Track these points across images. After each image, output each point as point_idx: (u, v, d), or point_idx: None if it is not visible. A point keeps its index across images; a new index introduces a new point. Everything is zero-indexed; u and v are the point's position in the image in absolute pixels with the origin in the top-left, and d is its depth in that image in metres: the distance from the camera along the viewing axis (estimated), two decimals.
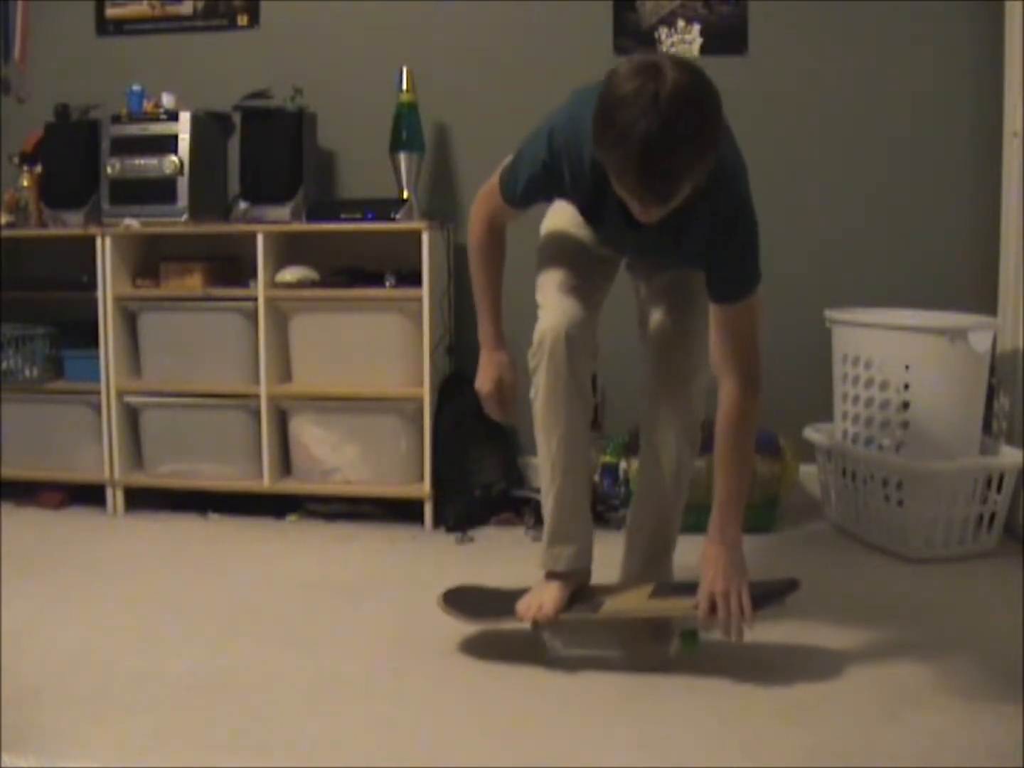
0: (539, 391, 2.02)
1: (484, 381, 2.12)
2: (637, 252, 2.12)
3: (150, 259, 3.34)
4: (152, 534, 3.08)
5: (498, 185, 1.99)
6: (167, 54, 3.53)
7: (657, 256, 2.06)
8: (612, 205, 1.82)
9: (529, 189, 1.94)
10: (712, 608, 1.92)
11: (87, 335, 3.24)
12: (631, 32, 3.28)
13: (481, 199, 2.06)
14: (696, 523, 2.88)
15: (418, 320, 3.05)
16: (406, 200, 3.18)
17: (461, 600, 2.18)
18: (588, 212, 1.96)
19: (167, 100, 3.29)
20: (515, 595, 2.14)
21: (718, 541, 1.96)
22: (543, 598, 2.07)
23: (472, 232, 2.09)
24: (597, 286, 2.10)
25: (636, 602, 2.07)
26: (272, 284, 3.16)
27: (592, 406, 2.11)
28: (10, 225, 3.38)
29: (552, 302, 2.02)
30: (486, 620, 2.15)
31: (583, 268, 2.07)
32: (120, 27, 3.59)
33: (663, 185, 1.62)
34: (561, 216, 2.10)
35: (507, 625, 2.10)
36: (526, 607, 2.07)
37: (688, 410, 2.13)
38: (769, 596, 2.01)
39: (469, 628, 2.19)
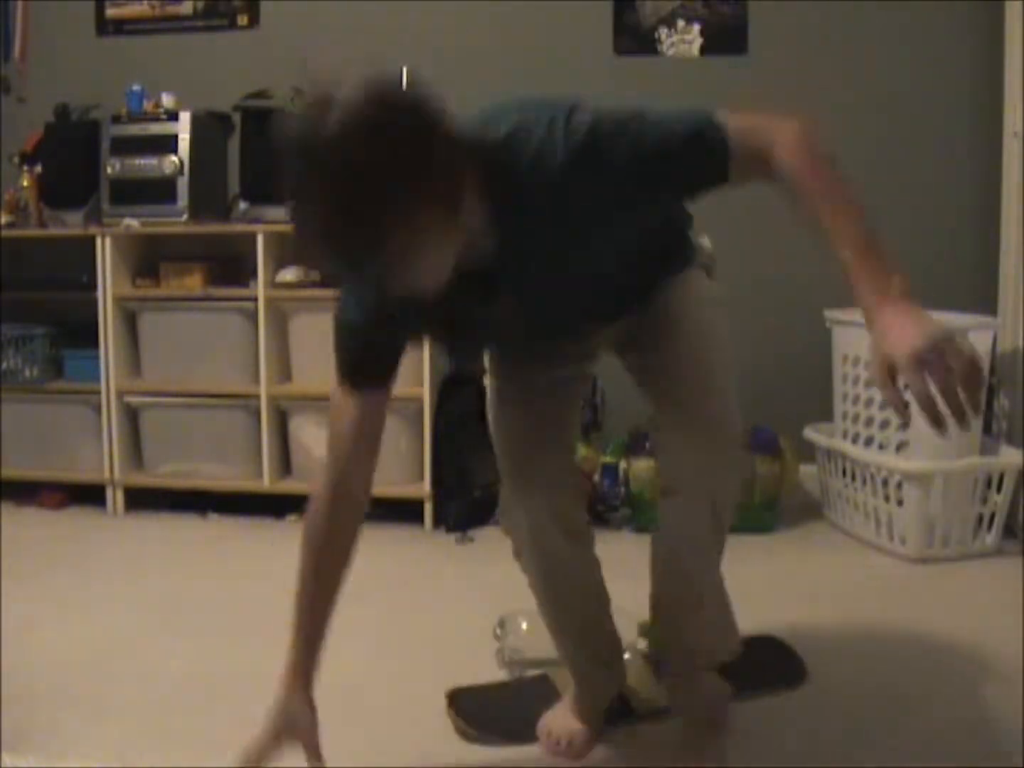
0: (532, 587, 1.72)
1: (261, 733, 1.48)
2: (546, 328, 1.53)
3: (150, 259, 3.34)
4: (152, 534, 3.08)
5: (336, 383, 1.51)
6: (167, 54, 3.54)
7: (569, 307, 1.49)
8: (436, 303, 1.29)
9: (357, 338, 1.48)
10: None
11: (87, 335, 3.24)
12: (631, 32, 3.28)
13: (326, 447, 1.55)
14: None
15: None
16: None
17: (473, 706, 1.86)
18: (434, 332, 1.54)
19: (167, 100, 3.29)
20: (537, 696, 1.88)
21: (883, 302, 1.22)
22: (570, 729, 1.72)
23: (310, 504, 1.59)
24: (556, 423, 1.68)
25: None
26: (272, 284, 3.15)
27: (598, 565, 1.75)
28: (10, 225, 3.38)
29: (511, 492, 1.65)
30: (503, 739, 1.77)
31: (533, 422, 1.67)
32: (120, 27, 3.59)
33: (358, 258, 1.19)
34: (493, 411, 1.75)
35: (528, 748, 1.75)
36: (548, 736, 1.72)
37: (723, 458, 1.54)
38: (769, 683, 1.89)
39: (469, 624, 2.19)
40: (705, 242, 1.72)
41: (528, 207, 1.29)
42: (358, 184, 1.12)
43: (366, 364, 1.46)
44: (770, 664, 1.99)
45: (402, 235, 1.15)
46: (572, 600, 1.72)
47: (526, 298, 1.40)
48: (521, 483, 1.64)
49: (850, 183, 1.38)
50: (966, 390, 1.13)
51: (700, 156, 1.32)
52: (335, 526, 1.59)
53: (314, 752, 1.48)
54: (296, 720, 1.50)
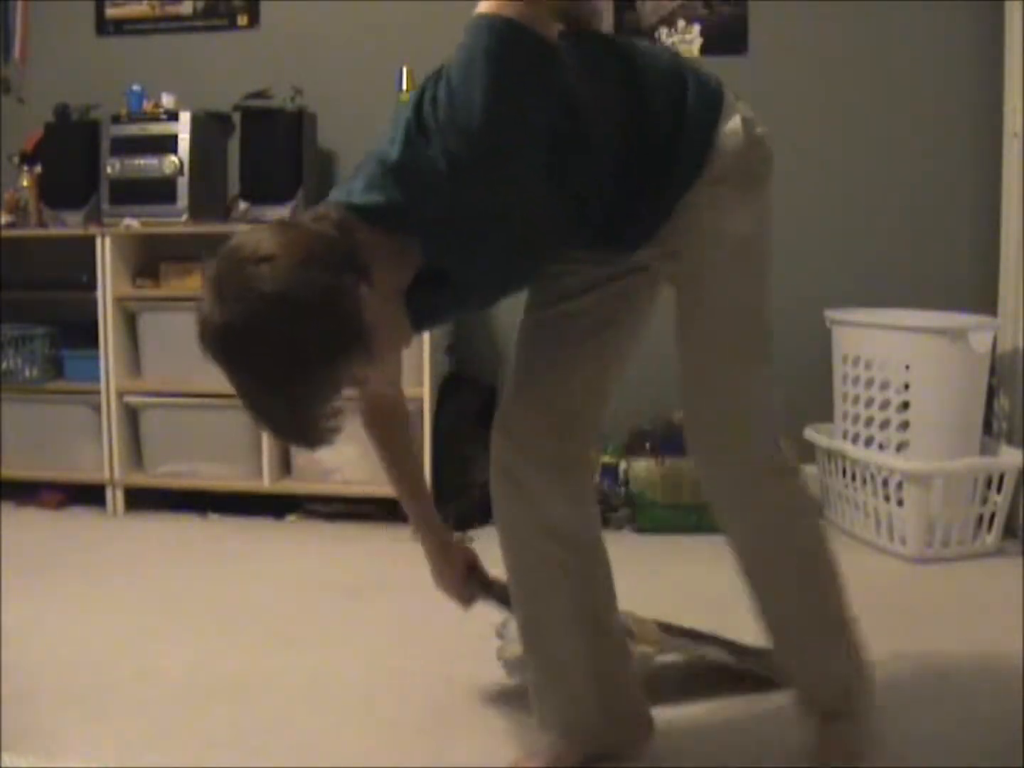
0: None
1: (441, 576, 1.81)
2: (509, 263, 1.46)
3: (150, 259, 3.34)
4: (152, 534, 3.08)
5: None
6: (167, 54, 3.53)
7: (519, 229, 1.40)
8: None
9: None
10: None
11: (87, 335, 3.24)
12: (631, 32, 3.28)
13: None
14: (697, 522, 2.90)
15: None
16: None
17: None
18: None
19: (167, 100, 3.29)
20: None
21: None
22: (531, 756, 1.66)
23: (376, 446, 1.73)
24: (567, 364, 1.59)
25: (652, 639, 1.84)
26: None
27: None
28: (10, 225, 3.38)
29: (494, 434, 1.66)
30: None
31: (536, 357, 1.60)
32: (120, 27, 3.59)
33: (304, 440, 1.30)
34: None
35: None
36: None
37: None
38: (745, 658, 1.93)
39: (469, 625, 2.19)
40: (732, 133, 1.44)
41: (420, 216, 1.31)
42: (256, 383, 1.27)
43: None
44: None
45: (323, 398, 1.24)
46: (552, 624, 1.61)
47: (479, 263, 1.39)
48: (503, 433, 1.62)
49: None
50: None
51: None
52: (375, 430, 1.71)
53: (483, 574, 1.80)
54: (457, 554, 1.80)
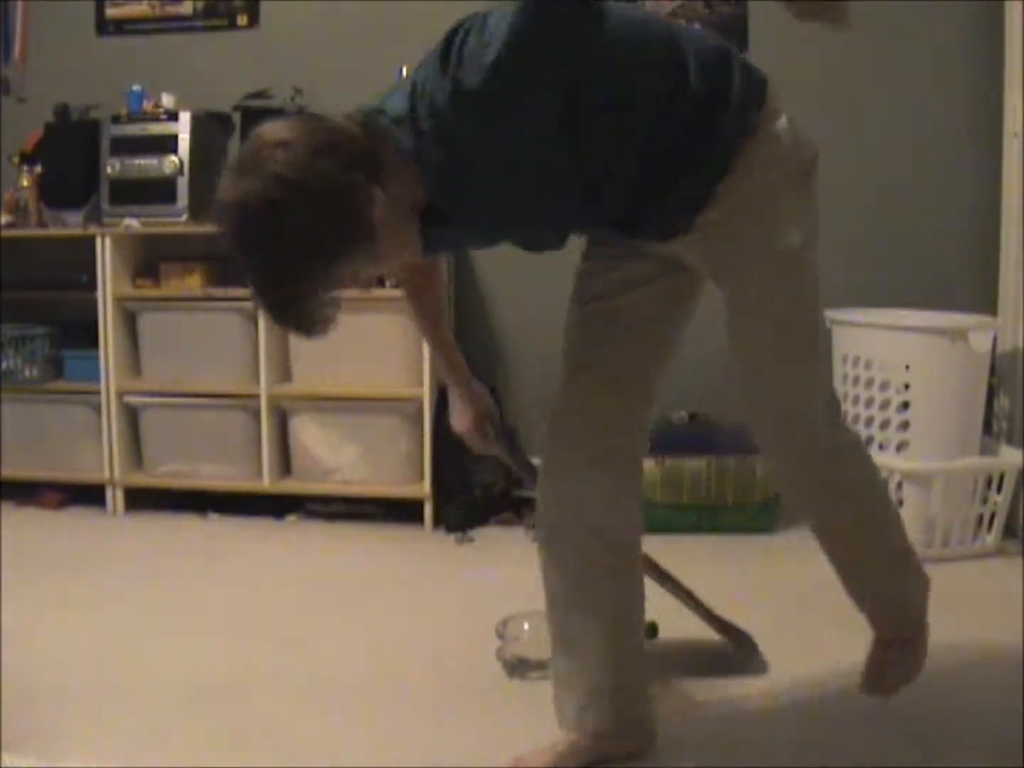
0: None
1: (459, 419, 1.84)
2: (517, 218, 1.47)
3: (150, 259, 3.34)
4: (152, 534, 3.08)
5: None
6: (167, 54, 3.53)
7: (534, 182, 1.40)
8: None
9: None
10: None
11: (87, 335, 3.24)
12: None
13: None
14: (697, 522, 2.90)
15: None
16: None
17: None
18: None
19: (167, 100, 3.29)
20: None
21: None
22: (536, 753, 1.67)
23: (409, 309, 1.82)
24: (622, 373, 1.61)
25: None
26: None
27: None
28: (10, 225, 3.38)
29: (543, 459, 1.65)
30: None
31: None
32: (120, 27, 3.59)
33: (298, 324, 1.31)
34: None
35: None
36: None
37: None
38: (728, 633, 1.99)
39: (469, 625, 2.19)
40: (778, 125, 1.45)
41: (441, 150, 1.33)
42: (270, 263, 1.26)
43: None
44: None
45: (322, 287, 1.27)
46: (584, 619, 1.64)
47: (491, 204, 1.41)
48: (559, 430, 1.62)
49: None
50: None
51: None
52: (413, 291, 1.76)
53: (494, 421, 1.84)
54: (477, 401, 1.82)
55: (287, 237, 1.24)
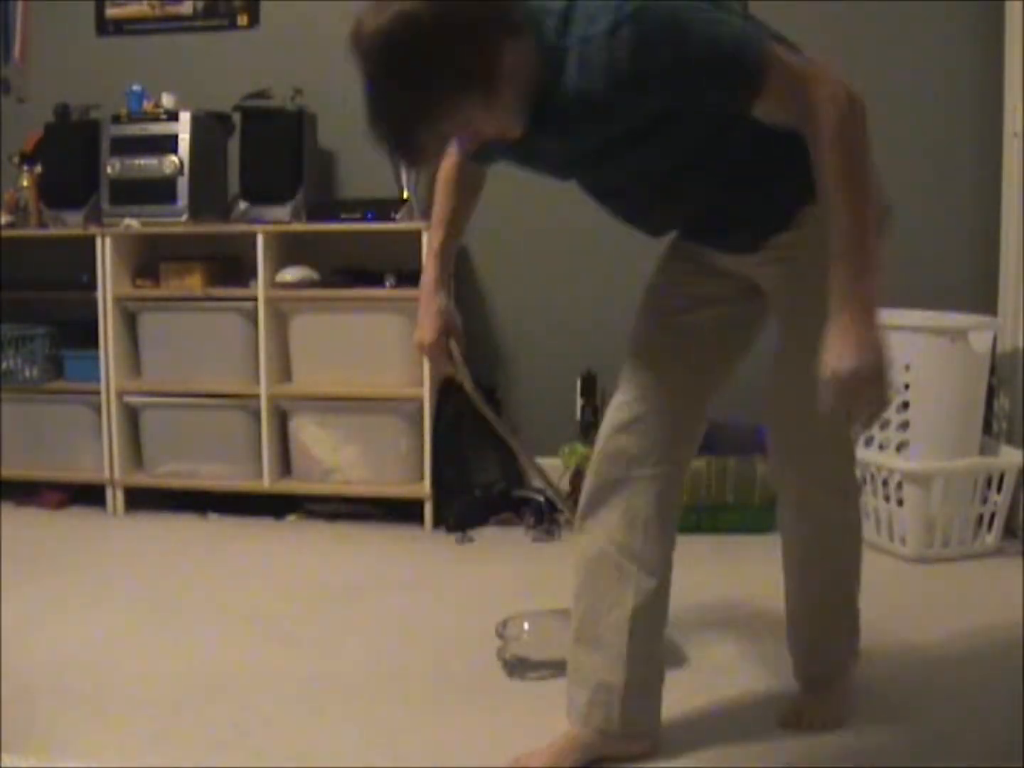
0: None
1: (424, 332, 1.79)
2: (604, 165, 1.54)
3: (150, 259, 3.34)
4: (152, 534, 3.08)
5: None
6: (167, 54, 3.53)
7: (622, 154, 1.49)
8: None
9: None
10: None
11: (87, 335, 3.24)
12: None
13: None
14: (696, 523, 2.90)
15: (418, 320, 3.04)
16: (406, 200, 3.17)
17: None
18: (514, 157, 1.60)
19: (167, 100, 3.29)
20: None
21: (841, 312, 1.39)
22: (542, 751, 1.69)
23: (439, 182, 1.81)
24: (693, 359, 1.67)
25: None
26: (272, 284, 3.16)
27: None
28: (10, 225, 3.38)
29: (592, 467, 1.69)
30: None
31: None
32: (120, 27, 3.59)
33: (405, 150, 1.39)
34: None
35: None
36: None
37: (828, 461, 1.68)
38: None
39: (469, 625, 2.19)
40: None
41: (572, 84, 1.37)
42: (393, 82, 1.31)
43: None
44: None
45: (442, 121, 1.34)
46: (610, 623, 1.66)
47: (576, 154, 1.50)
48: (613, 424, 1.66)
49: (868, 184, 1.44)
50: (865, 423, 1.40)
51: (732, 82, 1.35)
52: (459, 178, 1.77)
53: (459, 339, 1.80)
54: (447, 317, 1.78)
55: (430, 61, 1.29)
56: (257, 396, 3.17)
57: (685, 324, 1.66)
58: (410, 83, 1.31)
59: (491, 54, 1.32)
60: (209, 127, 3.30)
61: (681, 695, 1.91)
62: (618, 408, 1.67)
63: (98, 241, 3.20)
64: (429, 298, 1.79)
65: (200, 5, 3.53)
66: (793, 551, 1.77)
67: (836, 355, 1.36)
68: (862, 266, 1.40)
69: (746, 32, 1.37)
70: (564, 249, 3.35)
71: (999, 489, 2.76)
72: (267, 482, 3.19)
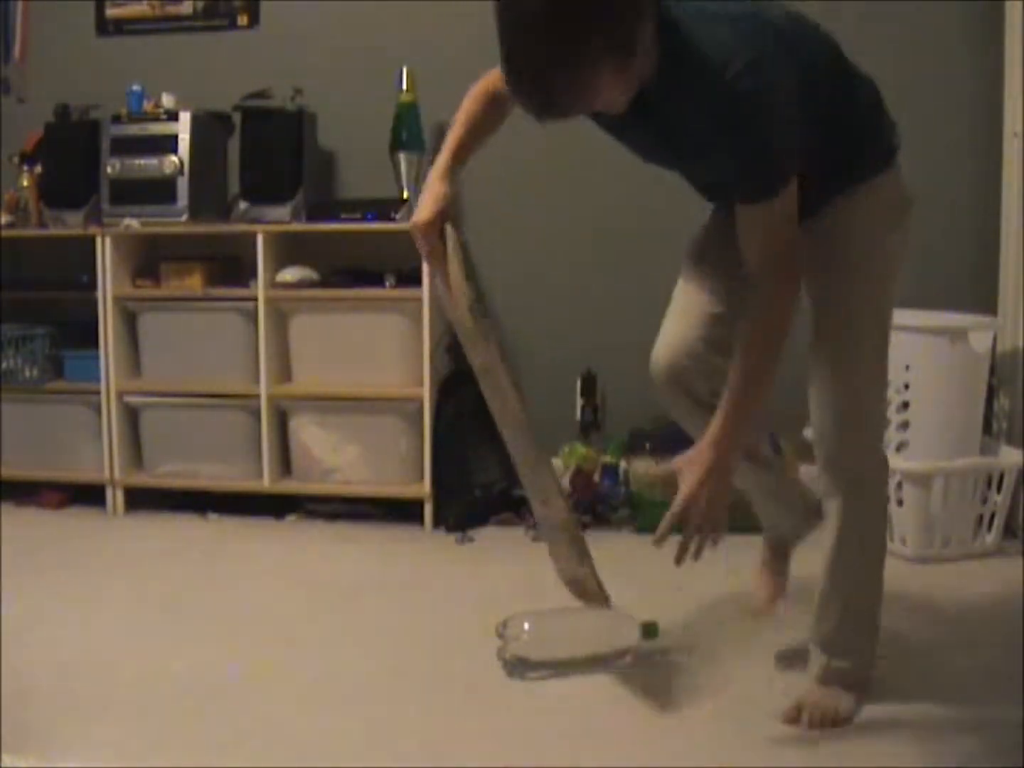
0: None
1: (420, 211, 1.80)
2: (665, 160, 1.77)
3: (150, 259, 3.34)
4: (152, 534, 3.08)
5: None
6: (167, 54, 3.53)
7: (683, 160, 1.74)
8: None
9: None
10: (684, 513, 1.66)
11: (87, 335, 3.24)
12: None
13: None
14: None
15: (418, 320, 3.05)
16: (406, 200, 3.18)
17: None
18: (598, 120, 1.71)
19: (167, 100, 3.29)
20: None
21: (711, 443, 1.64)
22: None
23: (469, 92, 1.88)
24: (715, 294, 1.87)
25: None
26: (272, 284, 3.16)
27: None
28: (10, 225, 3.38)
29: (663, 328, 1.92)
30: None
31: (699, 279, 1.90)
32: (120, 27, 3.59)
33: (534, 95, 1.44)
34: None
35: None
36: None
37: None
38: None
39: (469, 625, 2.19)
40: (898, 171, 1.76)
41: (678, 84, 1.52)
42: (542, 40, 1.38)
43: None
44: None
45: (573, 81, 1.42)
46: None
47: (648, 133, 1.66)
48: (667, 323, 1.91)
49: (771, 360, 1.62)
50: (699, 546, 1.66)
51: (748, 191, 1.57)
52: (489, 97, 1.84)
53: (458, 227, 1.84)
54: (447, 202, 1.80)
55: (591, 18, 1.37)
56: (257, 396, 3.17)
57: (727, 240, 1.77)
58: (568, 37, 1.37)
59: (638, 27, 1.42)
60: (209, 127, 3.30)
61: (680, 694, 1.91)
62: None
63: (98, 241, 3.20)
64: (434, 181, 1.81)
65: (200, 5, 3.53)
66: (836, 538, 1.80)
67: (685, 481, 1.65)
68: (744, 417, 1.64)
69: (792, 156, 1.56)
70: (564, 249, 3.35)
71: (999, 489, 2.76)
72: (267, 482, 3.19)
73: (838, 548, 1.79)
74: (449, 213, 1.81)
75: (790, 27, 1.63)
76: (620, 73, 1.44)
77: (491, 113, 1.84)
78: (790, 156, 1.55)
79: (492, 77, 1.81)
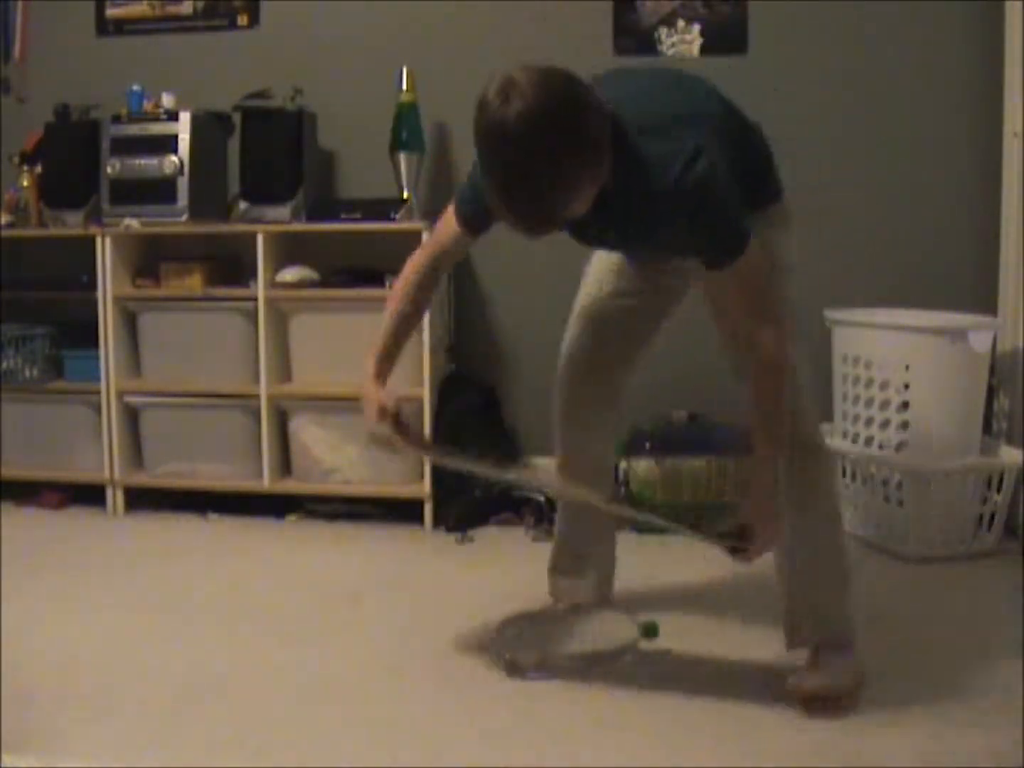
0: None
1: (369, 414, 1.96)
2: (629, 251, 2.06)
3: (150, 259, 3.34)
4: (152, 534, 3.08)
5: (452, 209, 1.95)
6: (167, 54, 3.53)
7: (647, 249, 1.99)
8: None
9: (477, 200, 1.83)
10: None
11: (87, 335, 3.24)
12: (631, 32, 3.28)
13: (435, 230, 2.01)
14: (695, 522, 2.89)
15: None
16: (406, 200, 3.17)
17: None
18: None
19: (167, 100, 3.28)
20: None
21: (760, 492, 1.83)
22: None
23: (409, 267, 2.01)
24: (623, 348, 2.14)
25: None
26: (272, 284, 3.15)
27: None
28: (10, 225, 3.38)
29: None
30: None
31: (604, 333, 2.12)
32: (120, 27, 3.59)
33: (530, 210, 1.61)
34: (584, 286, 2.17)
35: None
36: None
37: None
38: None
39: (468, 625, 2.19)
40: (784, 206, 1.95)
41: (630, 189, 1.70)
42: (535, 162, 1.55)
43: (475, 217, 1.91)
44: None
45: (562, 193, 1.59)
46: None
47: (615, 233, 1.88)
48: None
49: (781, 407, 1.79)
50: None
51: (722, 259, 1.74)
52: (430, 272, 2.01)
53: (398, 419, 1.97)
54: (388, 397, 1.96)
55: (571, 134, 1.56)
56: (257, 396, 3.17)
57: (627, 304, 2.10)
58: (558, 165, 1.55)
59: (605, 131, 1.62)
60: (209, 127, 3.30)
61: (680, 694, 1.91)
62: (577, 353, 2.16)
63: (98, 241, 3.20)
64: (369, 384, 1.98)
65: (200, 5, 3.53)
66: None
67: (768, 525, 1.81)
68: (774, 456, 1.80)
69: (742, 214, 1.76)
70: (564, 249, 3.34)
71: (999, 489, 2.76)
72: (267, 482, 3.19)
73: (800, 517, 1.90)
74: (391, 407, 1.95)
75: (709, 107, 1.83)
76: (595, 184, 1.64)
77: (423, 301, 2.03)
78: (741, 215, 1.74)
79: (435, 242, 1.99)
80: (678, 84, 1.87)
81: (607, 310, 2.11)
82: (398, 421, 1.95)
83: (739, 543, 1.83)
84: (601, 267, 2.14)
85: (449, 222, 1.95)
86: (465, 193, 1.91)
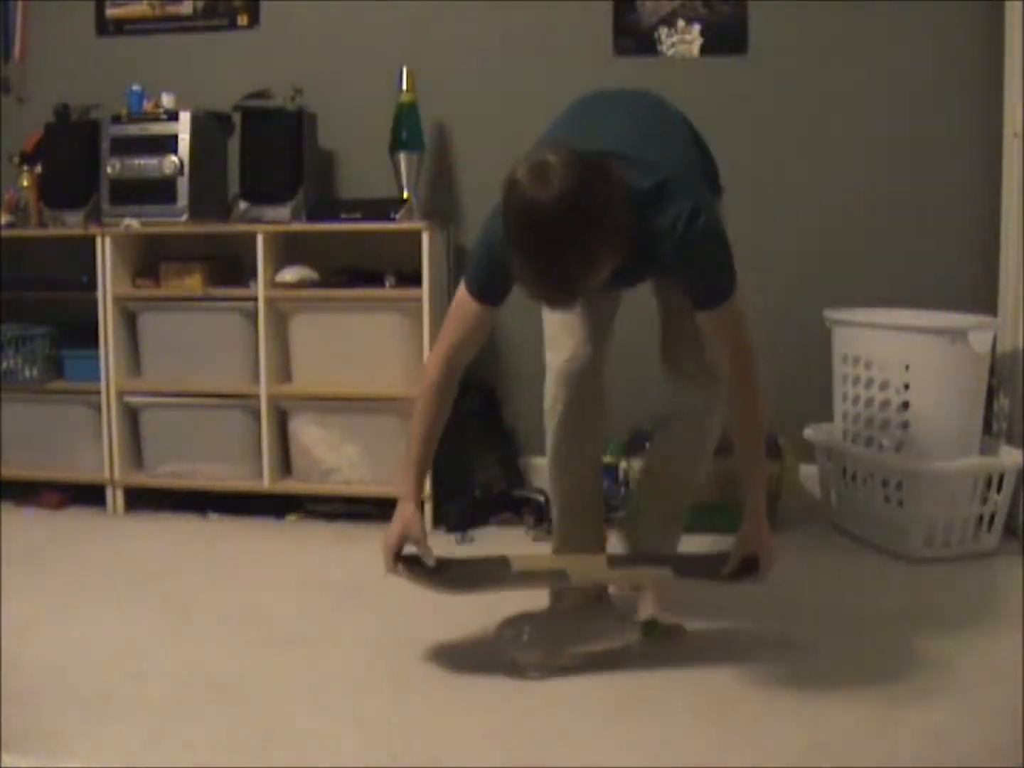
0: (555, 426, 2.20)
1: (389, 534, 2.04)
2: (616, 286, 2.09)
3: (150, 259, 3.34)
4: (152, 534, 3.08)
5: (464, 288, 1.98)
6: (167, 54, 3.53)
7: (633, 282, 2.08)
8: None
9: (495, 268, 1.87)
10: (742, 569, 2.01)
11: (87, 335, 3.24)
12: (631, 32, 3.28)
13: (443, 330, 2.04)
14: (694, 523, 2.89)
15: (418, 320, 3.05)
16: (406, 200, 3.18)
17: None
18: None
19: (167, 100, 3.29)
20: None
21: (756, 515, 2.00)
22: None
23: (426, 372, 2.06)
24: (599, 324, 2.17)
25: (597, 571, 2.15)
26: (272, 284, 3.15)
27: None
28: (10, 225, 3.38)
29: (557, 346, 2.20)
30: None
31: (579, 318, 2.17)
32: (120, 27, 3.59)
33: (559, 288, 1.70)
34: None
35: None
36: None
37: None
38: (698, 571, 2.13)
39: (468, 625, 2.19)
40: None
41: (641, 247, 1.81)
42: (568, 247, 1.65)
43: (494, 287, 1.94)
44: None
45: (590, 275, 1.70)
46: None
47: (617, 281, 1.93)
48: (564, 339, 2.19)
49: (759, 410, 1.98)
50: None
51: (711, 301, 1.88)
52: (447, 381, 2.04)
53: (426, 548, 2.03)
54: (412, 526, 2.03)
55: (606, 224, 1.66)
56: (257, 396, 3.17)
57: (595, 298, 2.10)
58: (587, 243, 1.64)
59: (628, 214, 1.72)
60: (209, 127, 3.30)
61: (681, 693, 1.91)
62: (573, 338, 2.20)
63: (98, 241, 3.20)
64: (403, 505, 2.05)
65: (200, 5, 3.53)
66: (673, 457, 2.23)
67: (768, 548, 1.98)
68: (765, 473, 2.08)
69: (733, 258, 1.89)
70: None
71: (999, 489, 2.76)
72: (267, 482, 3.19)
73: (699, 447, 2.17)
74: (413, 534, 2.02)
75: (691, 154, 1.98)
76: (616, 261, 1.74)
77: (447, 404, 2.07)
78: (732, 262, 1.86)
79: (449, 342, 2.02)
80: (661, 133, 1.99)
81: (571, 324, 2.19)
82: (411, 565, 2.02)
83: (750, 576, 1.96)
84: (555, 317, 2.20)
85: (464, 307, 1.98)
86: (476, 271, 1.96)
